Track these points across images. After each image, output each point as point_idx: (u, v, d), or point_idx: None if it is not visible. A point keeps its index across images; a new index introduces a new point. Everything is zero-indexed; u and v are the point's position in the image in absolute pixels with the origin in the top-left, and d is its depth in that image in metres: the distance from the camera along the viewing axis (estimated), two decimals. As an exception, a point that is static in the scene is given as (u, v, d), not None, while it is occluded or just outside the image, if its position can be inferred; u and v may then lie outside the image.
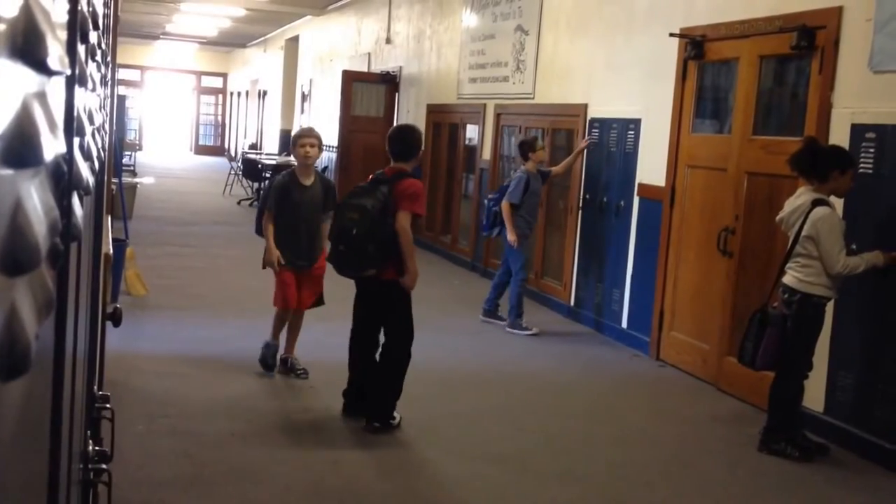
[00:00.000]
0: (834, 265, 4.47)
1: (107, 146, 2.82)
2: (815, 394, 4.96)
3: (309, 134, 5.70)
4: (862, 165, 4.77)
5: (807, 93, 5.37)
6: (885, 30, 4.71)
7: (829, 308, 4.76)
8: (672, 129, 6.59)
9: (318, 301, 5.64)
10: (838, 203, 4.75)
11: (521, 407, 5.33)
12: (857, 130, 4.86)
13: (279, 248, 5.43)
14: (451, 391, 5.53)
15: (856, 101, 4.93)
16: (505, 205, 7.19)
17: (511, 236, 7.13)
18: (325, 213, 5.44)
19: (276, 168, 16.72)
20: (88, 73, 1.23)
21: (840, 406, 4.93)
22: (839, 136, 4.95)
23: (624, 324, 7.14)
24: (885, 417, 4.66)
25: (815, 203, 4.53)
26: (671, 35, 6.47)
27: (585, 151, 7.67)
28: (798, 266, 4.61)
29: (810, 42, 5.21)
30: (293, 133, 5.42)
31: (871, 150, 4.77)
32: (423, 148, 5.31)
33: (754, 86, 5.81)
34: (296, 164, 5.65)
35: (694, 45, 6.29)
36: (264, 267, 5.57)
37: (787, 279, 4.67)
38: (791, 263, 4.66)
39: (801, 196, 4.65)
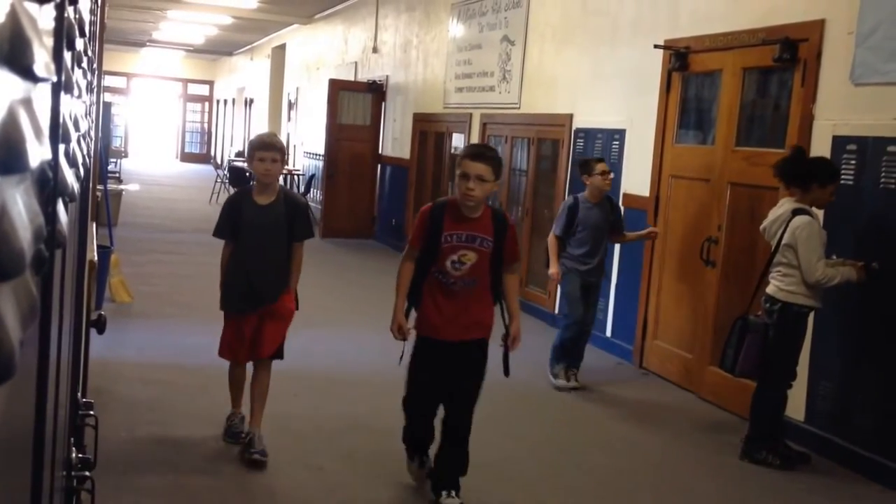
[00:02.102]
0: (812, 273, 4.50)
1: (92, 153, 2.82)
2: (796, 403, 4.98)
3: (269, 147, 4.32)
4: (843, 177, 4.81)
5: (789, 105, 5.41)
6: (866, 43, 4.76)
7: (810, 318, 4.79)
8: (656, 140, 6.63)
9: (279, 354, 4.45)
10: (819, 213, 4.79)
11: (505, 415, 5.33)
12: (839, 142, 4.91)
13: (228, 286, 4.37)
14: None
15: (837, 113, 4.98)
16: (550, 236, 6.18)
17: (552, 269, 6.06)
18: (295, 240, 4.35)
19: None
20: (74, 79, 1.23)
21: (821, 415, 4.97)
22: (821, 147, 5.00)
23: (608, 332, 7.16)
24: (866, 426, 4.69)
25: (795, 212, 4.57)
26: (656, 46, 6.51)
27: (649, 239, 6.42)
28: (779, 275, 4.64)
29: (793, 54, 5.26)
30: (249, 140, 4.54)
31: (853, 162, 4.81)
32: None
33: (737, 97, 5.86)
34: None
35: (678, 56, 6.34)
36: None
37: (769, 289, 4.70)
38: (772, 273, 4.69)
39: (783, 206, 4.69)
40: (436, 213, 3.86)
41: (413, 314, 3.96)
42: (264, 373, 4.45)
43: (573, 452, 4.84)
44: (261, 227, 4.30)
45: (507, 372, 4.00)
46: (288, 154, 4.59)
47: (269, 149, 4.32)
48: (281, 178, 4.61)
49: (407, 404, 4.01)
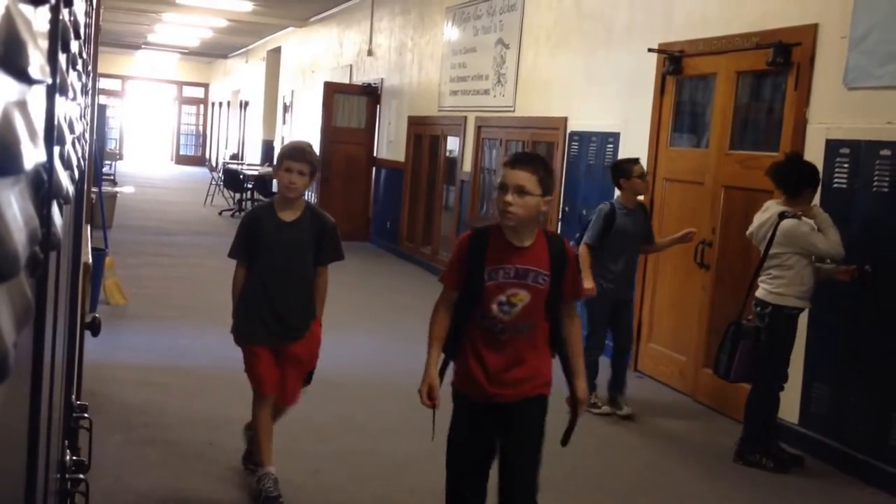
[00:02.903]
0: (828, 250, 4.55)
1: (87, 155, 2.82)
2: (790, 405, 4.99)
3: (298, 157, 3.79)
4: (836, 180, 4.83)
5: (782, 108, 5.43)
6: (859, 47, 4.77)
7: (804, 320, 4.81)
8: (650, 143, 6.64)
9: (306, 381, 4.03)
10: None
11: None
12: (832, 146, 4.92)
13: (242, 312, 3.86)
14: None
15: (830, 117, 4.99)
16: (581, 247, 5.34)
17: (588, 283, 5.15)
18: (320, 263, 3.85)
19: (258, 179, 16.77)
20: (69, 82, 1.23)
21: (815, 418, 4.97)
22: (814, 151, 5.01)
23: (603, 336, 7.16)
24: (860, 429, 4.70)
25: (782, 216, 4.58)
26: (650, 50, 6.53)
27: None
28: (769, 278, 4.66)
29: (786, 58, 5.27)
30: (280, 149, 4.00)
31: (846, 166, 4.83)
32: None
33: (731, 101, 5.87)
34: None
35: (672, 60, 6.35)
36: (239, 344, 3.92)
37: (758, 292, 4.71)
38: (762, 276, 4.70)
39: (769, 210, 4.71)
40: (477, 242, 3.09)
41: (450, 370, 3.22)
42: (282, 411, 4.06)
43: (567, 454, 4.83)
44: (283, 247, 3.76)
45: (565, 441, 3.24)
46: (317, 170, 3.88)
47: (298, 159, 3.76)
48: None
49: (449, 479, 3.23)
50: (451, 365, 3.21)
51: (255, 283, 3.80)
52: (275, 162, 3.90)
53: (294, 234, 3.79)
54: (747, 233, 4.88)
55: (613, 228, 5.36)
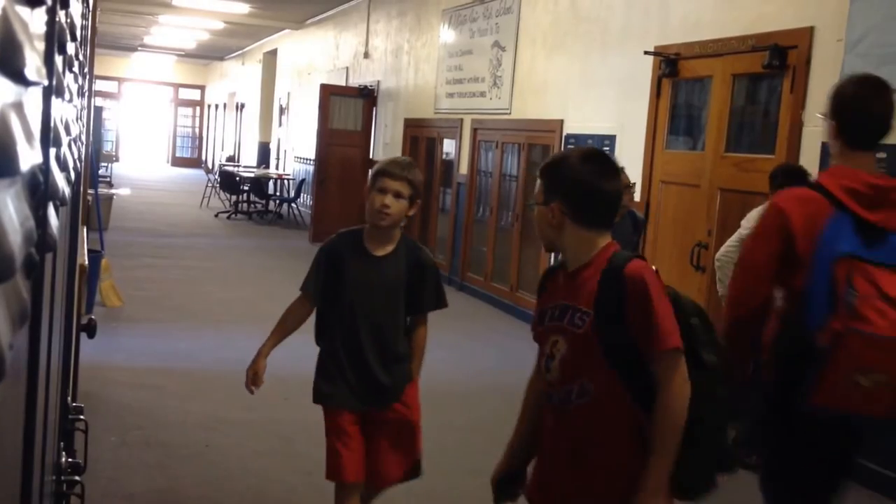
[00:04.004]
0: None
1: (83, 157, 2.82)
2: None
3: (397, 173, 3.00)
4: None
5: (778, 111, 5.44)
6: (855, 50, 4.79)
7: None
8: (646, 146, 6.65)
9: (414, 471, 3.25)
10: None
11: (499, 420, 5.32)
12: (828, 149, 4.92)
13: (320, 370, 3.15)
14: (428, 405, 5.52)
15: (827, 119, 5.00)
16: None
17: None
18: (417, 311, 3.15)
19: (254, 181, 16.77)
20: (66, 83, 1.23)
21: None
22: (810, 154, 5.02)
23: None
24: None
25: None
26: (646, 53, 6.54)
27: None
28: None
29: (782, 61, 5.29)
30: (376, 164, 3.22)
31: (842, 168, 4.84)
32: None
33: (727, 104, 5.89)
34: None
35: (668, 63, 6.36)
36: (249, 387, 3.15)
37: None
38: None
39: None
40: (545, 277, 2.36)
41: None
42: (374, 493, 3.26)
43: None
44: (371, 288, 3.04)
45: None
46: (420, 196, 3.09)
47: (395, 177, 2.97)
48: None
49: None
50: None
51: (334, 333, 3.07)
52: (369, 183, 3.06)
53: (386, 272, 3.04)
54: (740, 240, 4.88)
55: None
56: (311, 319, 3.22)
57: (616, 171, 2.24)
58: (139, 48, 26.15)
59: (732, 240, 4.80)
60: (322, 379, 3.12)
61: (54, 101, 0.95)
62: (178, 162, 31.53)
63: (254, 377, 3.07)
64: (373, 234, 3.08)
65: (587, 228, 2.15)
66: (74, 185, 1.95)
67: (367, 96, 13.28)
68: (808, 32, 5.15)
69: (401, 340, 3.11)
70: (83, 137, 2.74)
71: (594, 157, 2.26)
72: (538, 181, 2.32)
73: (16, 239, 0.52)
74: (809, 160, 4.93)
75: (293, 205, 16.38)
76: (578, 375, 2.11)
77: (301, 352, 6.06)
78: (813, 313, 2.46)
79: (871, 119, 2.63)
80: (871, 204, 2.49)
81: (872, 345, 2.37)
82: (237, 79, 25.41)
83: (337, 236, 3.17)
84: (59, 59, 1.02)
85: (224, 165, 19.92)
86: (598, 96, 7.37)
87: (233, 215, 16.13)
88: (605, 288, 2.08)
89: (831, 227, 2.49)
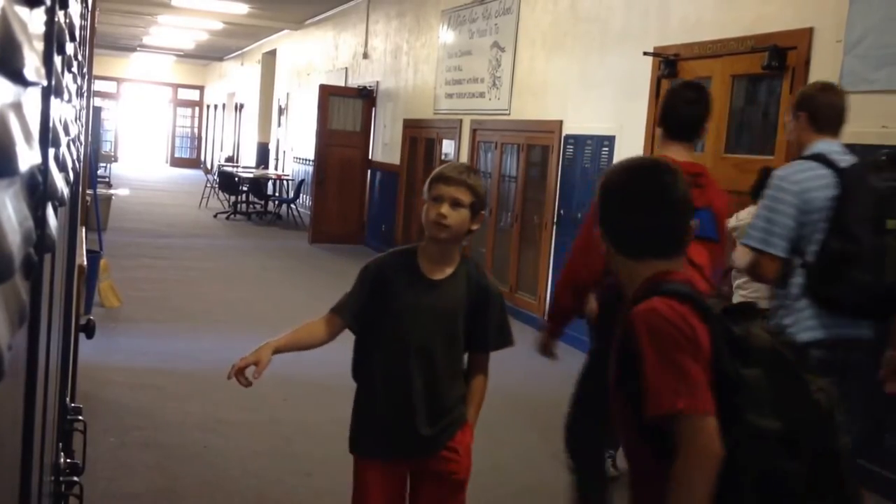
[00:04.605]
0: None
1: (82, 157, 2.82)
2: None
3: (454, 178, 2.54)
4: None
5: (778, 112, 5.44)
6: (854, 51, 4.79)
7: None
8: (646, 147, 6.65)
9: None
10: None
11: (497, 421, 5.33)
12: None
13: (356, 413, 2.70)
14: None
15: (826, 120, 5.00)
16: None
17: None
18: (478, 348, 2.66)
19: (253, 181, 16.77)
20: (64, 84, 1.23)
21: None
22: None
23: (598, 339, 7.17)
24: (853, 433, 4.70)
25: None
26: (645, 54, 6.54)
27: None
28: (744, 282, 4.67)
29: (781, 62, 5.29)
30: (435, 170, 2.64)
31: (841, 169, 4.84)
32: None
33: (726, 104, 5.89)
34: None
35: (667, 63, 6.36)
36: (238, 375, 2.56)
37: (735, 299, 4.72)
38: (739, 282, 4.71)
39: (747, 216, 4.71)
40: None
41: None
42: None
43: (562, 460, 4.83)
44: (424, 317, 2.55)
45: None
46: (484, 206, 2.60)
47: (452, 181, 2.51)
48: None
49: None
50: None
51: (375, 369, 2.60)
52: (425, 190, 2.58)
53: (443, 299, 2.56)
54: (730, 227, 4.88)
55: None
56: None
57: (668, 189, 1.93)
58: (138, 48, 26.15)
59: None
60: (356, 424, 2.68)
61: (53, 101, 0.95)
62: (176, 162, 31.53)
63: (255, 365, 2.51)
64: (428, 253, 2.60)
65: (633, 259, 1.90)
66: (73, 186, 1.95)
67: (367, 97, 13.29)
68: (808, 33, 5.15)
69: (456, 384, 2.62)
70: (82, 137, 2.74)
71: (650, 170, 2.03)
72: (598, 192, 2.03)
73: (14, 239, 0.52)
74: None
75: (292, 205, 16.38)
76: (619, 428, 1.91)
77: (300, 354, 6.07)
78: None
79: (683, 117, 3.31)
80: None
81: None
82: (236, 79, 25.41)
83: (388, 255, 2.69)
84: (58, 60, 1.01)
85: (223, 166, 19.92)
86: (598, 97, 7.37)
87: (232, 216, 16.13)
88: (621, 331, 1.82)
89: None
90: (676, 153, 3.28)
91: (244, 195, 16.72)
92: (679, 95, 3.40)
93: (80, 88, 2.13)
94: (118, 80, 30.75)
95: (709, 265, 3.18)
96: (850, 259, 3.04)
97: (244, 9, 16.32)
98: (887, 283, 3.06)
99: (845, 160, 3.22)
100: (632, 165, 2.04)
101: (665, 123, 3.38)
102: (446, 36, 10.66)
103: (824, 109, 3.26)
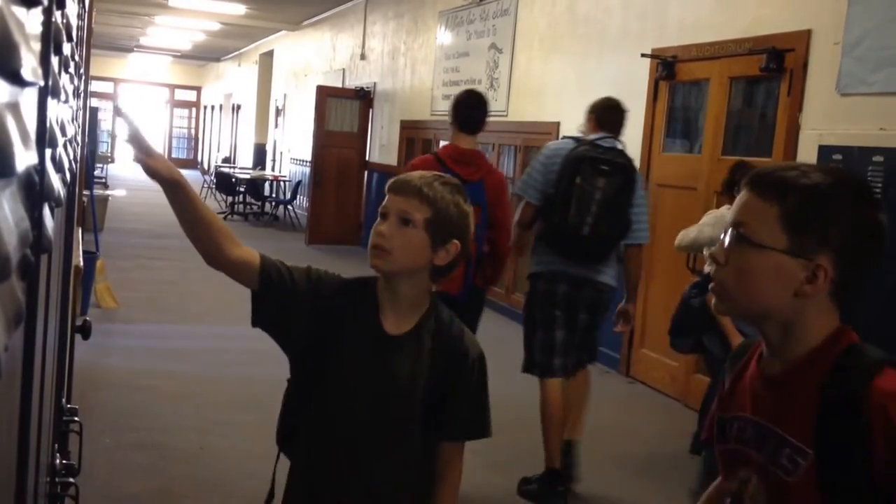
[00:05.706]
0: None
1: (79, 158, 2.81)
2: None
3: (407, 186, 1.80)
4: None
5: (775, 114, 5.44)
6: (852, 53, 4.79)
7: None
8: (643, 149, 6.65)
9: None
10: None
11: (495, 422, 5.32)
12: (825, 152, 4.94)
13: (289, 492, 2.02)
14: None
15: (823, 122, 5.01)
16: None
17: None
18: (445, 435, 1.88)
19: (250, 182, 16.76)
20: (61, 84, 1.23)
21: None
22: (806, 157, 5.03)
23: (595, 341, 7.17)
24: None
25: None
26: (643, 56, 6.55)
27: None
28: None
29: (779, 64, 5.29)
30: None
31: (838, 171, 4.85)
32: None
33: (724, 106, 5.89)
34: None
35: (665, 65, 6.37)
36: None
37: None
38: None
39: (725, 213, 4.68)
40: (740, 359, 1.56)
41: None
42: None
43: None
44: (374, 382, 1.83)
45: None
46: (456, 233, 1.78)
47: (402, 191, 1.81)
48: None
49: None
50: None
51: (310, 440, 1.92)
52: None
53: (400, 362, 1.82)
54: (691, 239, 4.88)
55: None
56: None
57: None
58: (135, 49, 26.14)
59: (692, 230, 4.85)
60: None
61: (50, 101, 0.95)
62: (173, 163, 31.06)
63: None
64: (386, 296, 1.84)
65: (838, 304, 1.43)
66: (70, 186, 1.95)
67: (364, 98, 13.29)
68: (806, 35, 5.15)
69: (409, 473, 1.85)
70: (79, 138, 2.74)
71: (866, 191, 1.46)
72: (754, 199, 1.39)
73: (11, 240, 0.51)
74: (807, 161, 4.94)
75: (289, 206, 16.38)
76: None
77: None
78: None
79: (468, 118, 4.34)
80: (458, 163, 4.12)
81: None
82: (233, 80, 25.40)
83: (353, 281, 1.92)
84: (55, 60, 1.01)
85: (220, 167, 19.91)
86: (595, 98, 7.35)
87: (229, 216, 16.13)
88: (834, 418, 1.32)
89: None
90: (464, 142, 4.31)
91: (241, 196, 16.72)
92: (464, 102, 4.40)
93: (76, 89, 2.12)
94: (115, 81, 30.72)
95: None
96: (550, 205, 4.20)
97: (241, 9, 16.31)
98: (571, 226, 4.10)
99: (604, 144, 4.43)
100: (851, 180, 1.46)
101: (457, 122, 4.33)
102: (444, 37, 10.67)
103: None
